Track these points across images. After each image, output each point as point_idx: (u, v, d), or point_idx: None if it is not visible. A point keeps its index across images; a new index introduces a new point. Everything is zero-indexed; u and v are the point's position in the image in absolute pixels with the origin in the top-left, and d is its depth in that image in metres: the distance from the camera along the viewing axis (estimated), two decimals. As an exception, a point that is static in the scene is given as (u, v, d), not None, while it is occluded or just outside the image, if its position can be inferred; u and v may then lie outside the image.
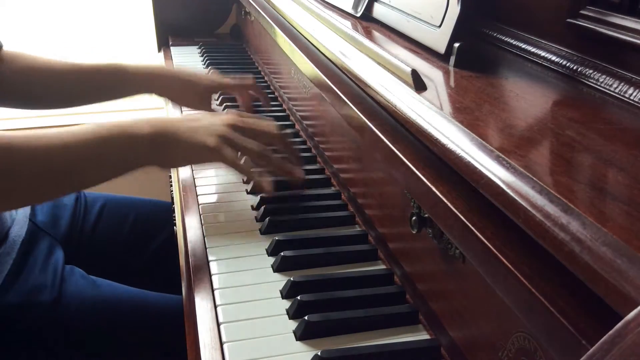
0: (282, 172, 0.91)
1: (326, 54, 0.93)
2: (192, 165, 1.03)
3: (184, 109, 1.24)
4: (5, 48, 1.08)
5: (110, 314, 1.00)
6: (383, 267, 0.79)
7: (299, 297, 0.70)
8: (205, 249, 0.82)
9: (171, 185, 1.16)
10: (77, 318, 0.97)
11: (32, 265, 1.00)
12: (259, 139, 0.89)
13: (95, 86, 1.12)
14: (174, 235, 1.13)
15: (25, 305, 0.95)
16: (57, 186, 0.84)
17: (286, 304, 0.71)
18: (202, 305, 0.71)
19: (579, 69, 0.64)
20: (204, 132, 0.86)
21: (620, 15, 0.60)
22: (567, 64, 0.66)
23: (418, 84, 0.67)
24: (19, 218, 1.05)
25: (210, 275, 0.76)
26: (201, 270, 0.78)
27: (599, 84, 0.62)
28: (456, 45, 0.74)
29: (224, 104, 1.27)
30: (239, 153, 0.88)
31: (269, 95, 1.36)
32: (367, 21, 1.00)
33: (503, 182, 0.47)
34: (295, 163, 0.93)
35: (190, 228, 0.87)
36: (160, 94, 1.18)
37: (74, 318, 0.97)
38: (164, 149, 0.85)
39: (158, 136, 0.84)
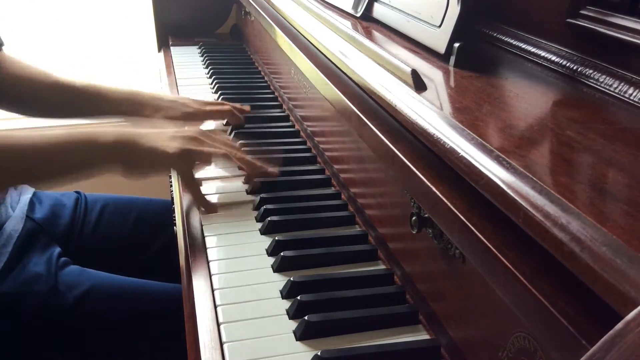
0: (247, 165, 0.94)
1: (326, 54, 0.93)
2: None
3: None
4: (4, 49, 1.11)
5: (108, 301, 1.01)
6: (383, 267, 0.79)
7: (299, 297, 0.70)
8: (205, 249, 0.82)
9: (171, 185, 1.16)
10: (74, 306, 0.98)
11: (28, 259, 1.03)
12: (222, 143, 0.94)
13: (75, 106, 1.15)
14: (174, 235, 1.14)
15: (21, 294, 0.97)
16: (27, 181, 0.92)
17: (286, 304, 0.71)
18: (202, 305, 0.71)
19: (579, 69, 0.64)
20: (166, 140, 0.90)
21: (620, 15, 0.60)
22: (567, 64, 0.66)
23: (418, 84, 0.67)
24: (16, 214, 1.08)
25: (210, 276, 0.76)
26: (201, 270, 0.78)
27: (599, 84, 0.62)
28: (456, 45, 0.74)
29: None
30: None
31: (269, 96, 1.36)
32: (367, 21, 1.00)
33: (503, 182, 0.47)
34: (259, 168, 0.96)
35: (190, 228, 0.87)
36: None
37: (71, 306, 0.98)
38: (126, 155, 0.90)
39: (121, 144, 0.89)
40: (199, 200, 0.92)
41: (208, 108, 1.14)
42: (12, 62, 1.11)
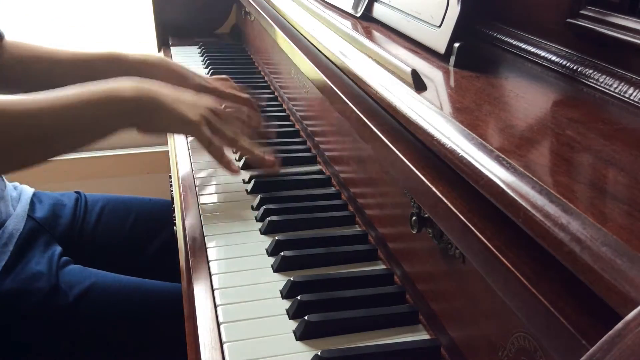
0: (252, 158, 0.97)
1: (326, 54, 0.93)
2: (192, 165, 1.03)
3: None
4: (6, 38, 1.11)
5: (108, 299, 1.01)
6: (383, 267, 0.79)
7: (299, 297, 0.70)
8: (205, 248, 0.82)
9: (171, 185, 1.16)
10: (75, 304, 0.98)
11: (29, 257, 1.03)
12: (234, 125, 0.96)
13: (93, 74, 1.08)
14: (174, 235, 1.14)
15: (22, 292, 0.97)
16: (44, 149, 0.86)
17: (286, 304, 0.71)
18: (202, 305, 0.71)
19: (579, 69, 0.64)
20: (187, 106, 0.91)
21: (620, 15, 0.60)
22: (567, 64, 0.66)
23: (418, 84, 0.67)
24: (18, 212, 1.08)
25: (210, 275, 0.76)
26: (201, 270, 0.78)
27: (599, 84, 0.62)
28: (456, 45, 0.74)
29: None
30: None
31: (269, 96, 1.36)
32: (367, 21, 1.00)
33: (503, 182, 0.47)
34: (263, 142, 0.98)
35: (190, 228, 0.87)
36: None
37: (71, 304, 0.98)
38: (146, 112, 0.89)
39: (141, 100, 0.88)
40: (224, 164, 0.94)
41: (225, 91, 1.09)
42: (14, 46, 1.10)
